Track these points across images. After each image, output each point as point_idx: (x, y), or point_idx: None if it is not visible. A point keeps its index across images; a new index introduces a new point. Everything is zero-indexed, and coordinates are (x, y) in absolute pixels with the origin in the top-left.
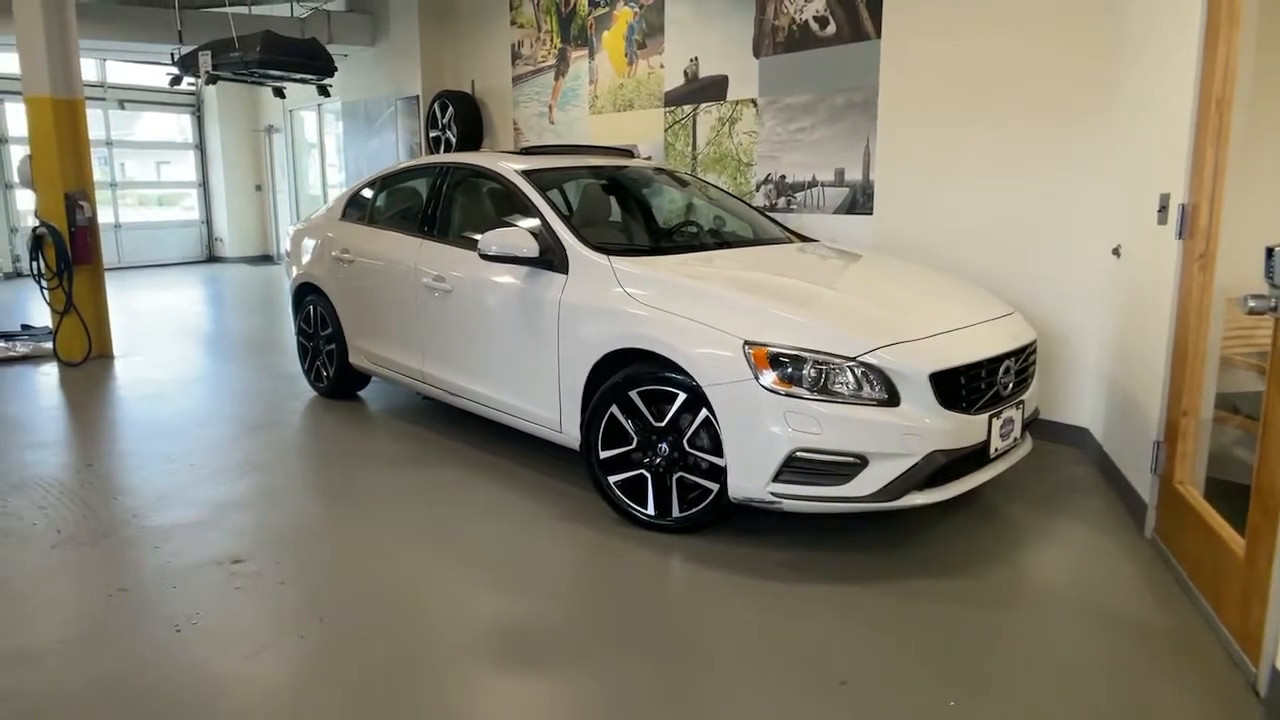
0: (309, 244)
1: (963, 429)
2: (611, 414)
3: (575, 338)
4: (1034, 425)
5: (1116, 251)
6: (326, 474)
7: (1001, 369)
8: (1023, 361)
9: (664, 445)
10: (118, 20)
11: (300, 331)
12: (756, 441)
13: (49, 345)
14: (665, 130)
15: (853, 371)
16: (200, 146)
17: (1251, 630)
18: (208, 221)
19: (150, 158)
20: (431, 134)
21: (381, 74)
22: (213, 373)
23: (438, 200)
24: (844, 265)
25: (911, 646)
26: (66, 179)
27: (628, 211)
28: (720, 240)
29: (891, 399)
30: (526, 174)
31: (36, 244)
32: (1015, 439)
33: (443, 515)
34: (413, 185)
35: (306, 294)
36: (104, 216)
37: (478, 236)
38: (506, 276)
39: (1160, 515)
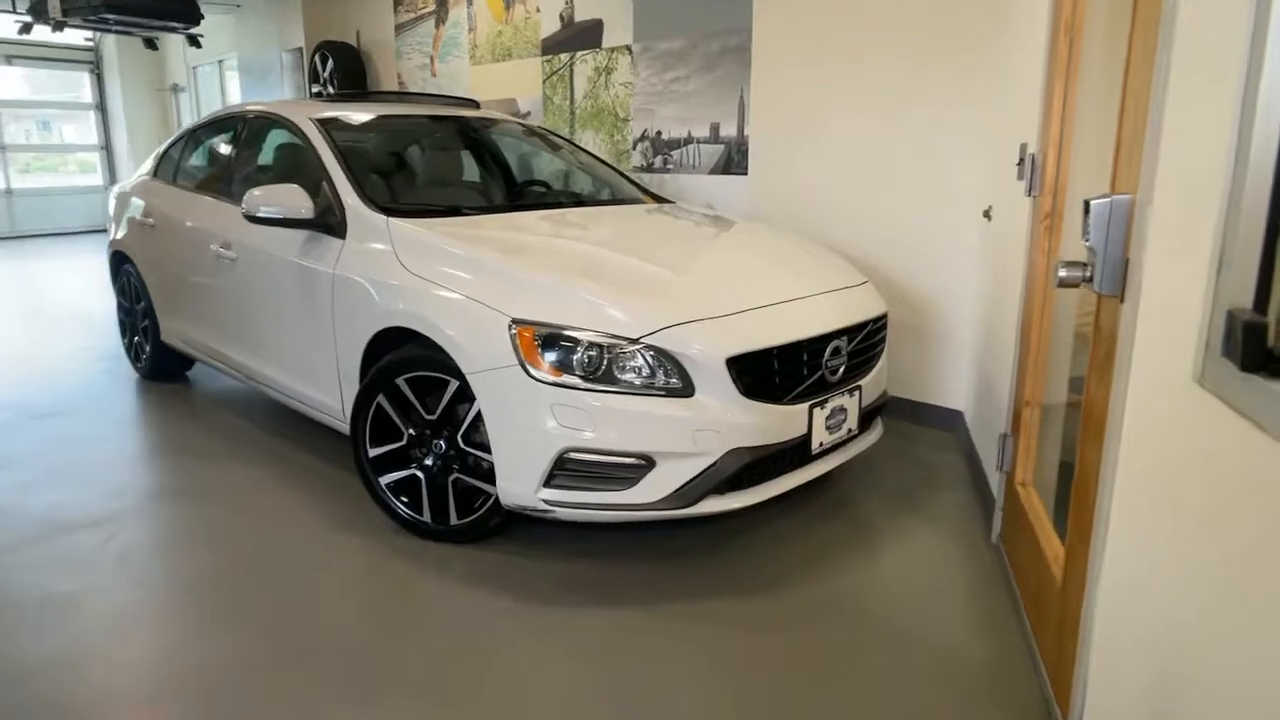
0: (123, 207)
1: (774, 422)
2: (379, 404)
3: (347, 314)
4: (912, 408)
5: (987, 213)
6: (99, 469)
7: (828, 350)
8: (861, 341)
9: (440, 442)
10: None
11: (119, 306)
12: (523, 440)
13: None
14: (543, 82)
15: (640, 356)
16: (101, 107)
17: (1064, 671)
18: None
19: (45, 118)
20: (313, 89)
21: (271, 25)
22: (33, 353)
23: (234, 156)
24: (680, 230)
25: (684, 681)
26: None
27: (455, 169)
28: (555, 201)
29: (685, 389)
30: (322, 122)
31: None
32: (850, 430)
33: (214, 519)
34: (216, 139)
35: (122, 263)
36: None
37: None
38: (287, 243)
39: (1005, 519)
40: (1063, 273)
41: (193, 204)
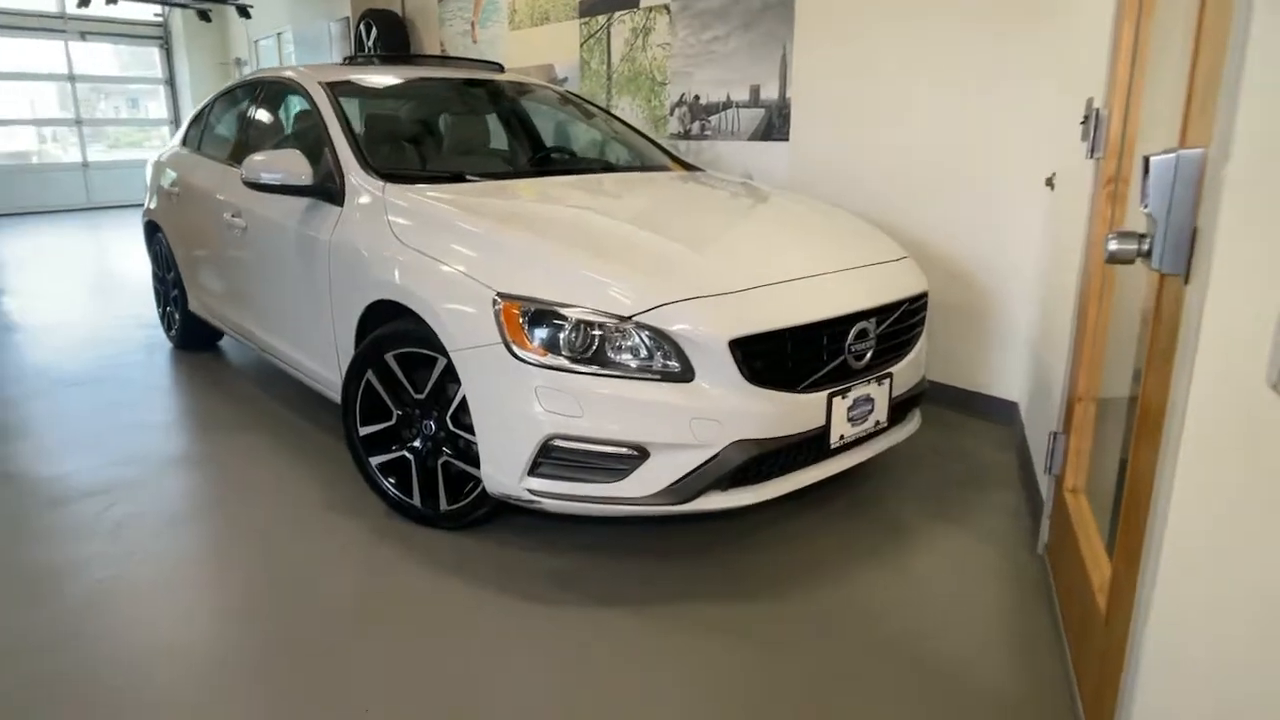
0: (156, 176)
1: (785, 412)
2: (368, 381)
3: (342, 285)
4: (963, 398)
5: (1050, 181)
6: (106, 437)
7: (852, 333)
8: (894, 323)
9: (430, 423)
10: None
11: (153, 275)
12: (507, 424)
13: None
14: (581, 46)
15: (634, 336)
16: (170, 81)
17: (1104, 718)
18: None
19: (133, 95)
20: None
21: None
22: (76, 319)
23: (249, 123)
24: (702, 198)
25: (665, 695)
26: None
27: (471, 134)
28: (573, 167)
29: (684, 373)
30: (330, 86)
31: None
32: (878, 423)
33: (210, 494)
34: (236, 107)
35: (154, 232)
36: (71, 155)
37: None
38: (290, 211)
39: (1052, 528)
40: (1113, 245)
41: (211, 172)
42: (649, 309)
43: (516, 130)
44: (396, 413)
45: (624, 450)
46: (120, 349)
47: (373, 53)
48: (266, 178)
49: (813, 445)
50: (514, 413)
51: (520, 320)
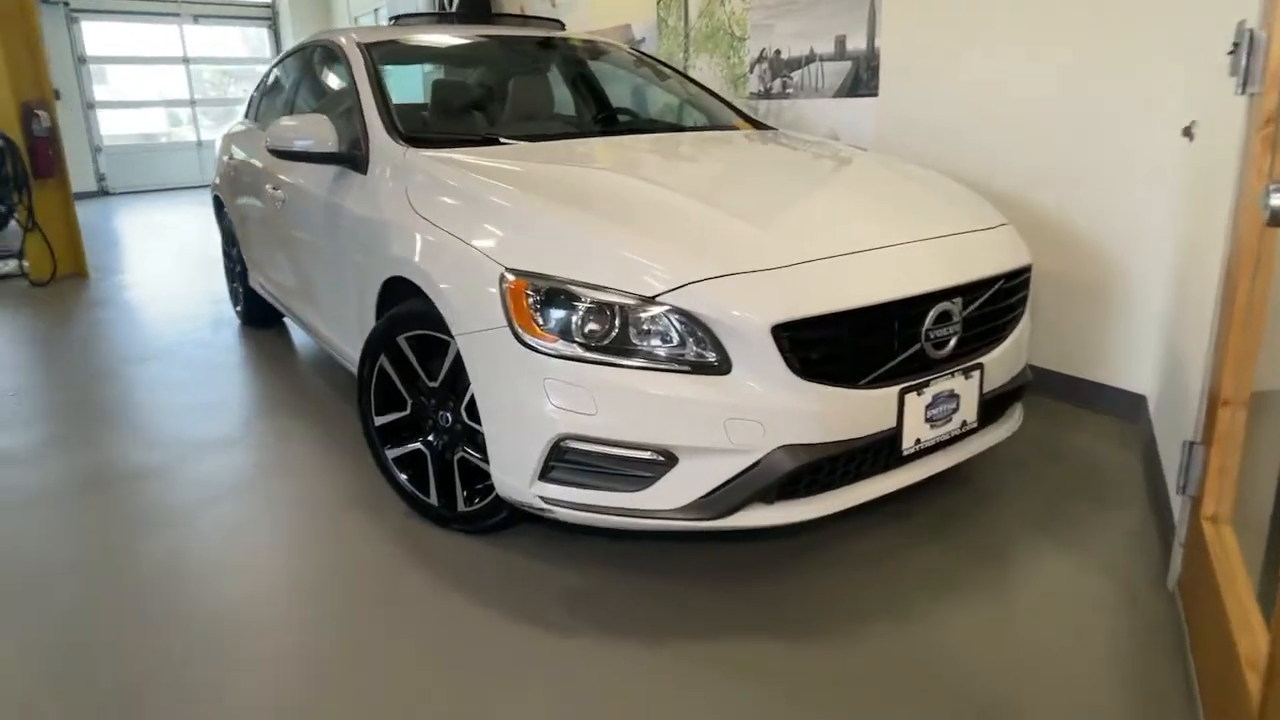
0: (223, 150)
1: (843, 412)
2: (382, 367)
3: (362, 259)
4: (1078, 388)
5: (1188, 131)
6: (148, 418)
7: (930, 315)
8: (985, 303)
9: (446, 414)
10: None
11: (223, 250)
12: (514, 421)
13: (12, 264)
14: (658, 2)
15: (661, 320)
16: None
17: None
18: None
19: (230, 73)
20: (408, 19)
21: None
22: (164, 294)
23: (295, 88)
24: (766, 158)
25: None
26: (19, 87)
27: (523, 96)
28: (629, 127)
29: (719, 364)
30: (368, 47)
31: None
32: (965, 424)
33: (225, 486)
34: (288, 75)
35: (220, 206)
36: (186, 135)
37: None
38: (320, 181)
39: (1186, 562)
40: (1276, 200)
41: (259, 142)
42: (675, 288)
43: (578, 91)
44: (411, 402)
45: (647, 455)
46: (194, 325)
47: (438, 11)
48: (289, 144)
49: (881, 451)
50: (521, 408)
51: (529, 301)
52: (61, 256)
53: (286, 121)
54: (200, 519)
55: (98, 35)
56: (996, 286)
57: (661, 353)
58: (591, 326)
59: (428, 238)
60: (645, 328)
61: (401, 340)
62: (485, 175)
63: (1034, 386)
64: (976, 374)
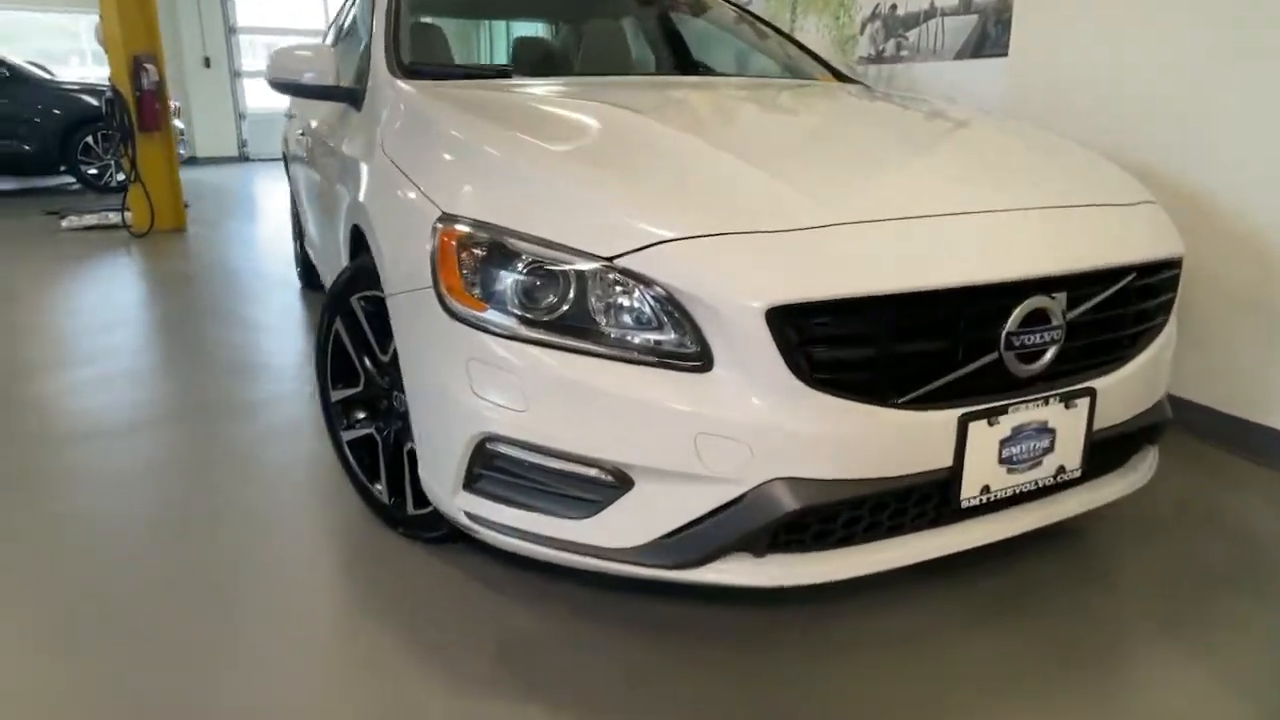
0: (290, 105)
1: (872, 439)
2: (337, 331)
3: (342, 207)
4: (1243, 432)
5: None
6: (162, 380)
7: (1017, 313)
8: (1105, 303)
9: (400, 394)
10: None
11: (291, 212)
12: (435, 410)
13: (115, 217)
14: None
15: (639, 293)
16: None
17: None
18: None
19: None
20: None
21: None
22: (248, 256)
23: (345, 35)
24: (846, 110)
25: None
26: (131, 40)
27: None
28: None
29: (696, 356)
30: None
31: (109, 109)
32: (1063, 471)
33: (196, 454)
34: (343, 19)
35: (286, 165)
36: None
37: None
38: (328, 122)
39: None
40: None
41: None
42: (640, 247)
43: (656, 43)
44: (364, 376)
45: (591, 473)
46: (256, 287)
47: None
48: (286, 74)
49: (929, 500)
50: (442, 395)
51: (459, 255)
52: (161, 210)
53: (282, 49)
54: (147, 488)
55: (249, 6)
56: (1125, 282)
57: (634, 338)
58: (534, 294)
59: (384, 179)
60: (612, 302)
61: (355, 301)
62: (460, 105)
63: (1176, 427)
64: (1084, 403)
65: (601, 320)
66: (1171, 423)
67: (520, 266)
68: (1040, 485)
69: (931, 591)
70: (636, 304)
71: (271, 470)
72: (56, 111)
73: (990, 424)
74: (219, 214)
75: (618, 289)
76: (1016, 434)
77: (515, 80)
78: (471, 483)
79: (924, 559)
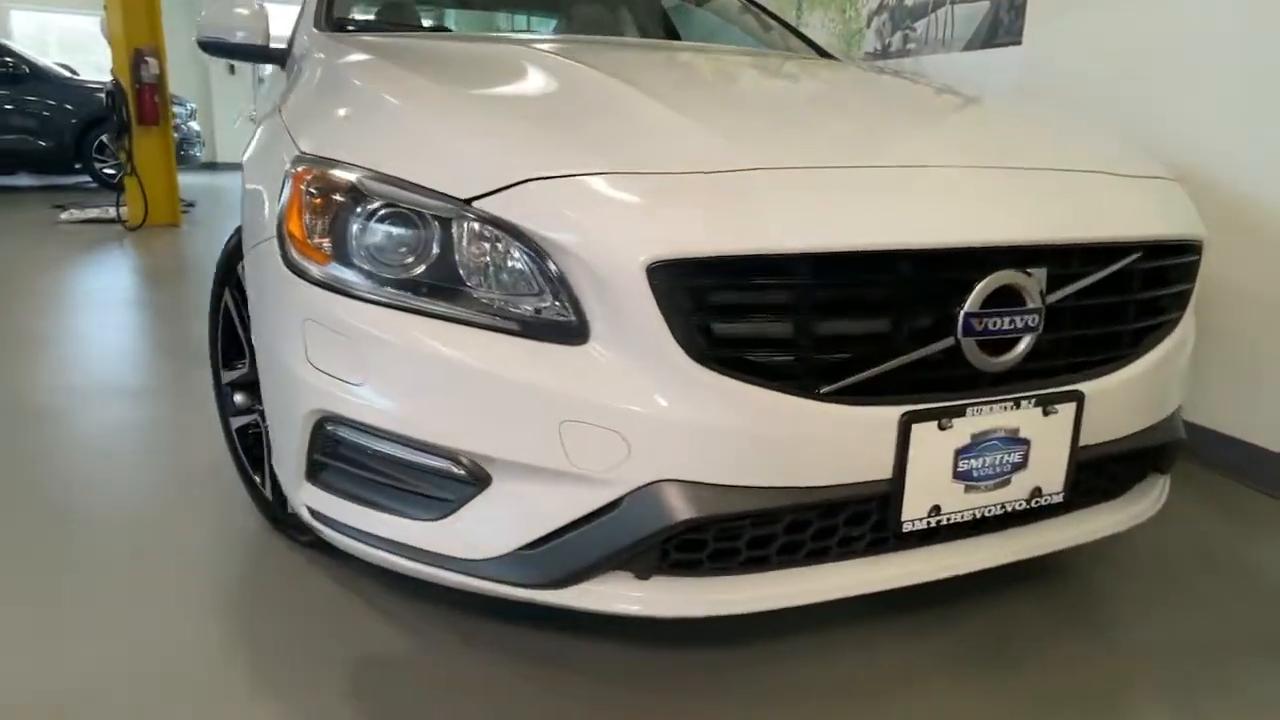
0: None
1: (787, 438)
2: (226, 306)
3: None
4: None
5: None
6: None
7: (979, 289)
8: (1094, 288)
9: None
10: None
11: None
12: (276, 383)
13: (112, 210)
14: None
15: (479, 241)
16: None
17: None
18: None
19: None
20: None
21: None
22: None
23: None
24: (817, 77)
25: None
26: (133, 33)
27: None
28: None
29: (570, 328)
30: None
31: (109, 101)
32: (1037, 492)
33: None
34: None
35: None
36: None
37: None
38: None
39: None
40: None
41: None
42: (500, 188)
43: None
44: (249, 353)
45: (440, 465)
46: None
47: None
48: (209, 32)
49: (863, 520)
50: (281, 364)
51: (306, 199)
52: (155, 204)
53: (223, 5)
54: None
55: (279, 13)
56: (1125, 263)
57: (498, 302)
58: (385, 245)
59: (267, 133)
60: (476, 258)
61: (240, 269)
62: (371, 51)
63: (1192, 453)
64: (1068, 409)
65: (462, 280)
66: (1183, 446)
67: (369, 211)
68: (1010, 510)
69: (895, 631)
70: (502, 260)
71: (161, 461)
72: (73, 109)
73: (942, 427)
74: (221, 214)
75: (483, 242)
76: (978, 443)
77: (441, 32)
78: (315, 473)
79: (855, 594)
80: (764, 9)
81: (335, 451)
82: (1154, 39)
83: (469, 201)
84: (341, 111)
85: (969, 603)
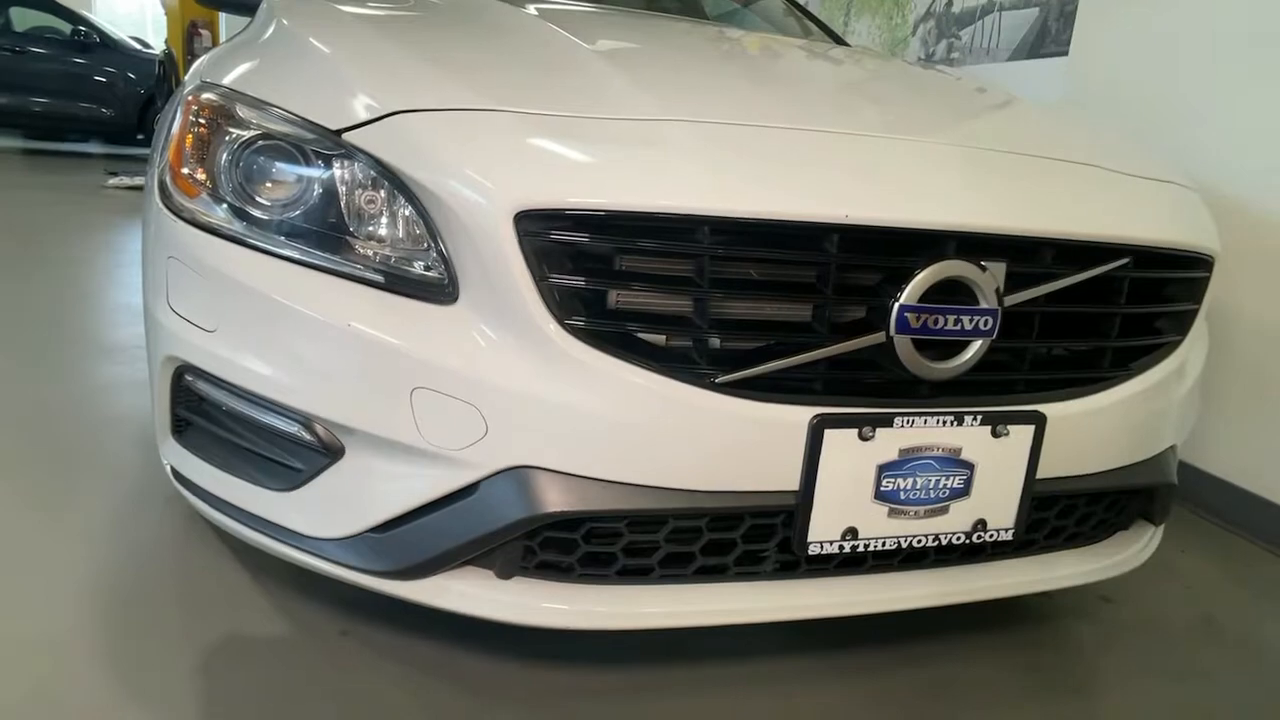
0: None
1: (673, 432)
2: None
3: None
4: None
5: None
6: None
7: (920, 277)
8: (1073, 293)
9: None
10: None
11: None
12: (147, 331)
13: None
14: None
15: (350, 177)
16: None
17: None
18: None
19: None
20: None
21: None
22: None
23: None
24: (809, 55)
25: None
26: (189, 5)
27: None
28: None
29: (446, 285)
30: None
31: (160, 70)
32: (981, 527)
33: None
34: None
35: None
36: None
37: None
38: None
39: None
40: None
41: None
42: (371, 119)
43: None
44: None
45: (291, 429)
46: None
47: None
48: None
49: (767, 535)
50: (146, 307)
51: (190, 128)
52: None
53: None
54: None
55: None
56: (1110, 268)
57: (365, 249)
58: (257, 179)
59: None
60: (353, 202)
61: None
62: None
63: (1192, 502)
64: (1024, 432)
65: (328, 223)
66: (1174, 490)
67: (243, 140)
68: (945, 542)
69: (826, 667)
70: (371, 203)
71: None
72: (137, 79)
73: (863, 437)
74: None
75: (355, 184)
76: (907, 459)
77: None
78: (179, 429)
79: (752, 620)
80: (808, 13)
81: (199, 407)
82: (1209, 50)
83: (339, 133)
84: (259, 48)
85: (917, 647)
